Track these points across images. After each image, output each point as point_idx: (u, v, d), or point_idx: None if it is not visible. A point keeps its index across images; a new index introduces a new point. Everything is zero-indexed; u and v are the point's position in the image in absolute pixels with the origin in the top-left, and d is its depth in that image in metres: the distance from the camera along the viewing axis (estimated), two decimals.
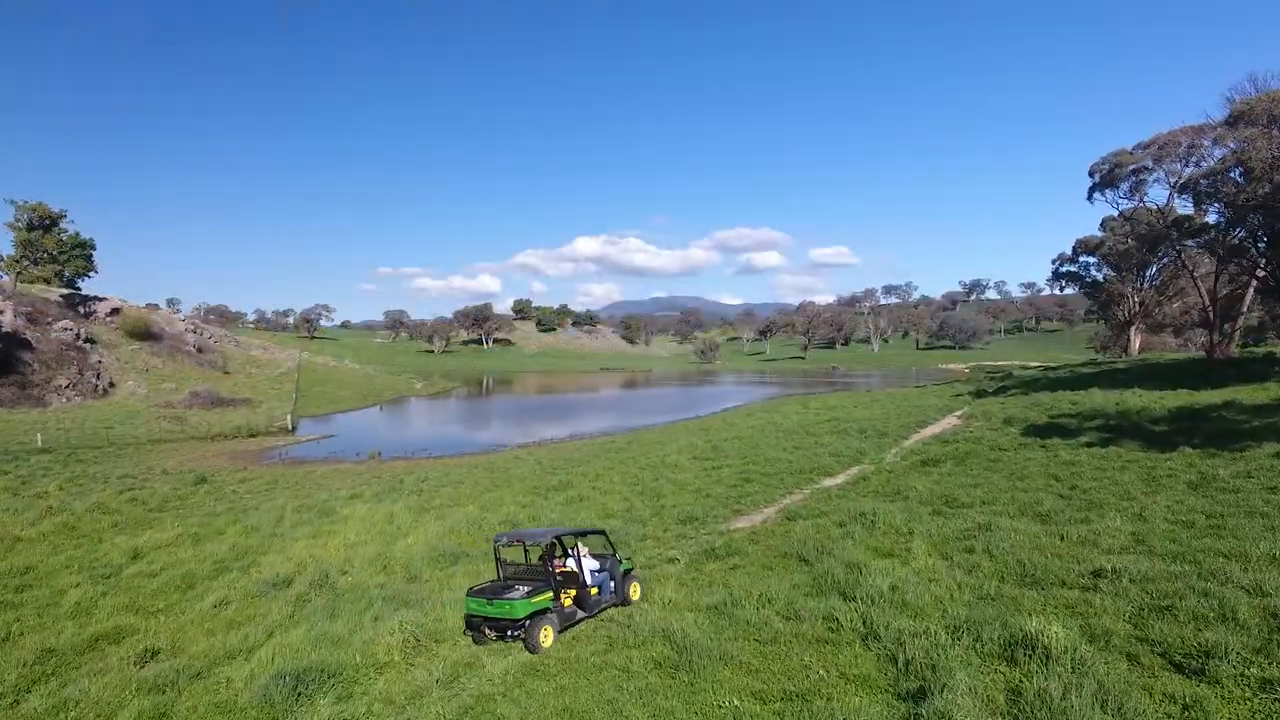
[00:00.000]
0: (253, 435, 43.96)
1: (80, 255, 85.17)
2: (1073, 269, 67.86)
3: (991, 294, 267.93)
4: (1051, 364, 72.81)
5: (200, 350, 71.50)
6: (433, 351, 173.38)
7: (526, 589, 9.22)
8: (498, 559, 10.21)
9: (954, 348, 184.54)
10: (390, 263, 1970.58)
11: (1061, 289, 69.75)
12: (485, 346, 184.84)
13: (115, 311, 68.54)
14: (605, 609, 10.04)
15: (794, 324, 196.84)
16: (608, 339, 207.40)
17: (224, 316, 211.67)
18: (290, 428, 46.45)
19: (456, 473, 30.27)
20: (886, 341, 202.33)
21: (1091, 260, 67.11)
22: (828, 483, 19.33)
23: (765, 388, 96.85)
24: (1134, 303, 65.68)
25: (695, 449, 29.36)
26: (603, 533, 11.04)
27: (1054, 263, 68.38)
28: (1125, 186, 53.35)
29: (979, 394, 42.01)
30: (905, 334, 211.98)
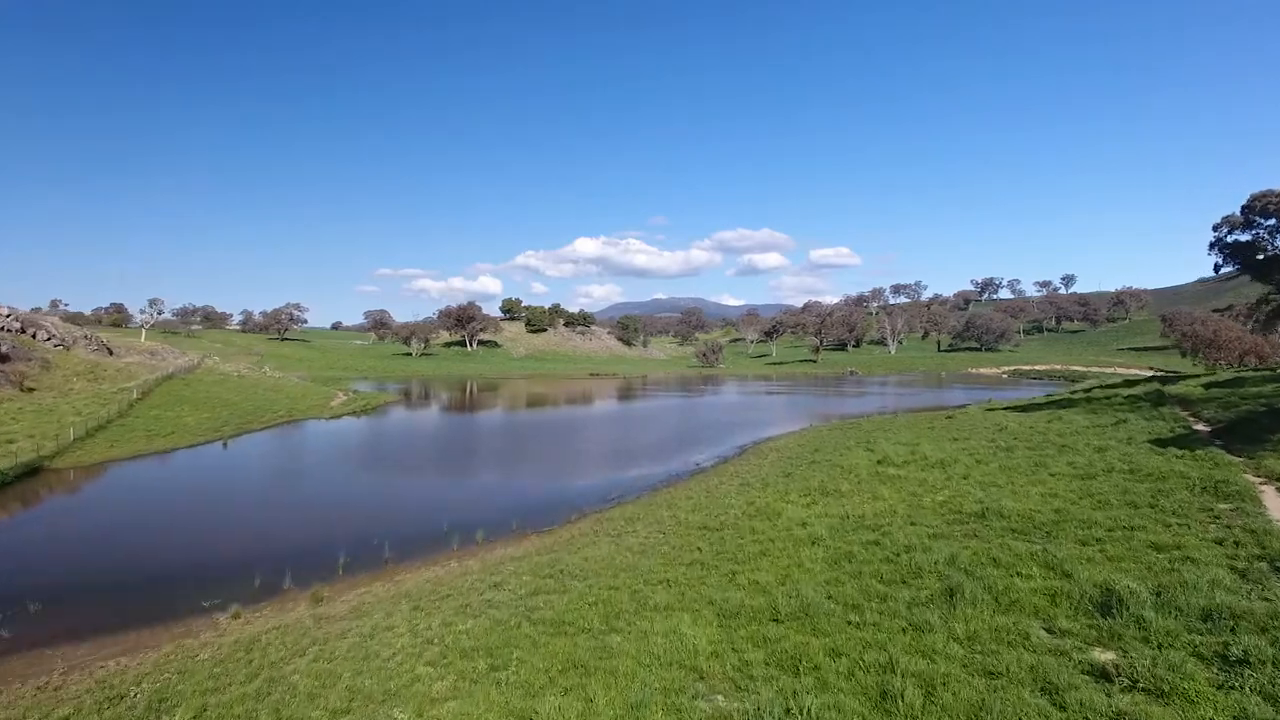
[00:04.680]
0: None
1: None
2: (1245, 237, 44.47)
3: (1005, 293, 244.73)
4: (1185, 373, 49.18)
5: (6, 358, 48.63)
6: (410, 354, 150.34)
7: None
8: None
9: (979, 349, 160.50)
10: (391, 264, 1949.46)
11: (1218, 267, 45.91)
12: (470, 349, 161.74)
13: None
14: None
15: (802, 324, 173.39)
16: (603, 340, 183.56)
17: (209, 318, 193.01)
18: None
19: None
20: (902, 343, 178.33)
21: (1273, 222, 43.76)
22: None
23: (779, 397, 73.67)
24: None
25: (700, 684, 6.38)
26: None
27: (1216, 230, 44.83)
28: None
29: (1196, 436, 21.82)
30: (925, 334, 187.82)
